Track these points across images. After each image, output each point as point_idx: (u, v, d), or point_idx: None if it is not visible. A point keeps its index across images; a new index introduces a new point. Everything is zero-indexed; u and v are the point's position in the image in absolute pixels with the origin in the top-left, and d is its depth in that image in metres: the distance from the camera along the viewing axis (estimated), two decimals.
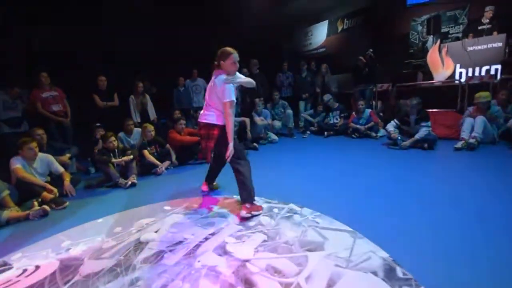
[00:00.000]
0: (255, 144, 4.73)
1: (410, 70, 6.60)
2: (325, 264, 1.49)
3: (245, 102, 5.59)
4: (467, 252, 1.49)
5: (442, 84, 5.51)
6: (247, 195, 2.21)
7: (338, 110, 5.29)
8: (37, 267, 1.75)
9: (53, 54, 5.17)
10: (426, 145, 3.55)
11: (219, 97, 2.21)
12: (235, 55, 2.18)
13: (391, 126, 3.83)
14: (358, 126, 4.69)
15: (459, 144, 3.37)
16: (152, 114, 5.03)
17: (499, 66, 4.99)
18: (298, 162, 3.80)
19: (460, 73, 5.57)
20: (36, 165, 3.08)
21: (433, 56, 6.27)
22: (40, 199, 2.82)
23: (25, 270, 1.71)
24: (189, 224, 2.14)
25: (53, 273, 1.65)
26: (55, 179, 3.22)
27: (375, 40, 7.26)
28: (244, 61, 5.98)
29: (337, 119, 5.28)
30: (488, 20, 5.34)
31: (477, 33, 5.50)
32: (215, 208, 2.40)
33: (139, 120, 4.79)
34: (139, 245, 1.88)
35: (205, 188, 2.82)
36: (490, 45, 5.23)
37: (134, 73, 5.26)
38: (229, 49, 2.19)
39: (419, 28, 7.24)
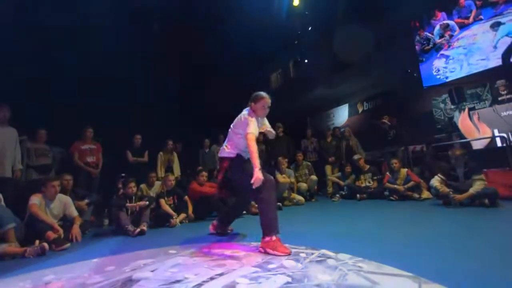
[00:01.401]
0: (279, 204, 4.32)
1: (443, 135, 6.29)
2: None
3: (270, 164, 5.49)
4: None
5: (483, 147, 5.06)
6: (268, 225, 1.87)
7: (370, 172, 4.89)
8: None
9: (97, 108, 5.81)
10: (486, 201, 2.91)
11: (237, 130, 2.18)
12: (267, 100, 2.22)
13: (436, 182, 3.31)
14: (396, 186, 4.16)
15: None
16: (177, 171, 5.07)
17: None
18: (329, 218, 3.28)
19: (502, 137, 5.15)
20: (53, 205, 3.01)
21: (465, 123, 6.05)
22: (43, 240, 2.60)
23: None
24: (194, 265, 1.72)
25: None
26: (66, 224, 3.06)
27: (399, 118, 7.28)
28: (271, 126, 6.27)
29: (369, 182, 4.81)
30: (504, 92, 5.25)
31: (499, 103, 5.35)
32: (229, 252, 1.97)
33: (162, 175, 4.80)
34: (129, 282, 1.49)
35: (213, 229, 2.54)
36: None
37: (165, 133, 5.64)
38: (262, 93, 2.25)
39: (442, 105, 7.26)
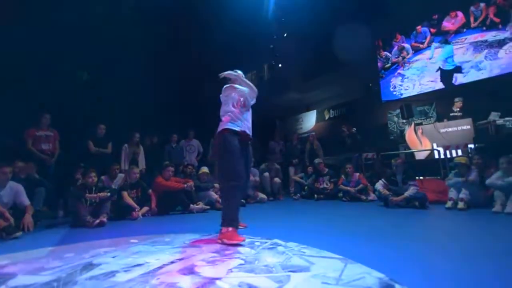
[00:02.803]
0: (243, 200, 4.52)
1: (392, 144, 7.03)
2: (310, 282, 1.24)
3: None
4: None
5: (424, 158, 5.83)
6: (229, 218, 2.00)
7: (328, 175, 5.33)
8: None
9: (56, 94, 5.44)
10: (417, 203, 3.45)
11: (223, 97, 2.33)
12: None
13: (379, 185, 3.81)
14: (348, 188, 4.64)
15: (449, 204, 3.32)
16: (142, 164, 4.99)
17: (472, 145, 5.42)
18: (287, 215, 3.57)
19: (438, 151, 5.97)
20: (3, 192, 2.83)
21: (411, 136, 6.86)
22: None
23: None
24: (155, 251, 1.83)
25: None
26: (17, 212, 2.90)
27: (358, 128, 7.97)
28: None
29: (327, 184, 5.25)
30: (458, 109, 6.08)
31: (450, 119, 6.17)
32: (189, 242, 2.10)
33: (126, 168, 4.70)
34: (89, 266, 1.56)
35: None
36: (459, 128, 5.83)
37: (130, 124, 5.48)
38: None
39: (395, 119, 8.11)
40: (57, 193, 3.92)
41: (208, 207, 4.00)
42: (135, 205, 3.47)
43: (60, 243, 2.19)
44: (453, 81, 6.75)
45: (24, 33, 5.27)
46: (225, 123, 2.18)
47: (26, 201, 2.97)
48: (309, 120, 10.68)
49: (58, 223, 3.30)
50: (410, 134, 6.86)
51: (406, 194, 3.53)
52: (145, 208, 3.62)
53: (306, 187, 5.42)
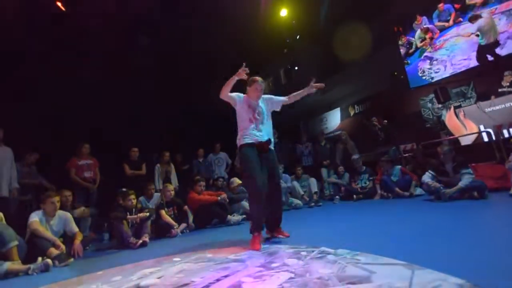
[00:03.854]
0: None
1: (430, 132, 6.47)
2: None
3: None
4: None
5: (471, 143, 5.26)
6: (252, 225, 2.20)
7: (367, 173, 5.00)
8: None
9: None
10: (475, 193, 3.05)
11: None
12: (259, 81, 2.43)
13: (427, 178, 3.44)
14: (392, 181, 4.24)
15: None
16: (175, 182, 5.10)
17: None
18: (328, 219, 3.37)
19: (488, 133, 5.36)
20: (53, 222, 3.01)
21: (452, 121, 6.27)
22: (45, 257, 2.61)
23: None
24: (199, 270, 1.78)
25: None
26: (67, 240, 3.06)
27: (388, 119, 7.48)
28: None
29: (365, 183, 4.92)
30: (508, 84, 5.48)
31: (498, 95, 5.57)
32: (232, 256, 2.03)
33: (160, 187, 4.83)
34: None
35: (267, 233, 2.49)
36: (509, 104, 5.21)
37: (162, 143, 5.69)
38: (256, 77, 2.45)
39: (429, 105, 7.50)
40: (102, 217, 4.11)
41: (244, 216, 3.93)
42: (173, 222, 3.51)
43: (108, 266, 2.24)
44: (490, 56, 6.10)
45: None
46: (240, 140, 2.38)
47: (75, 228, 3.13)
48: (334, 119, 10.32)
49: (104, 246, 3.43)
50: (450, 118, 6.27)
51: (461, 184, 3.14)
52: (183, 225, 3.64)
53: (342, 188, 5.14)
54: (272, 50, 9.63)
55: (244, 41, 7.82)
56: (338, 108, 10.09)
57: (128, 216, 3.20)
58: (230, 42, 7.69)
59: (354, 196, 4.75)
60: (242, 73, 2.26)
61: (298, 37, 9.26)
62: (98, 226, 4.12)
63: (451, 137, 5.64)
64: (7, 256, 2.38)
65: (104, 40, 5.91)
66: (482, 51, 6.21)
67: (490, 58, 6.01)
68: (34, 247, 2.65)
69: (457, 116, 6.13)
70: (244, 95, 2.48)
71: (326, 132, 10.21)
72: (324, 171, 5.99)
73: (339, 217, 3.52)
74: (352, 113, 9.59)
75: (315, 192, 4.94)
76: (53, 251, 2.61)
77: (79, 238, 3.04)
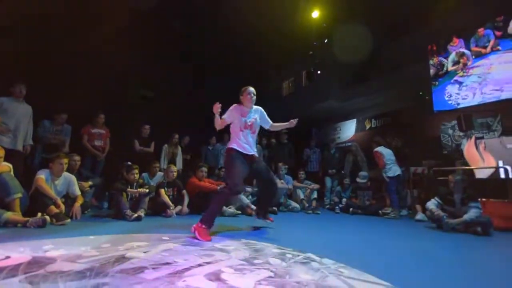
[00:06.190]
0: (274, 208, 4.38)
1: (446, 159, 6.25)
2: None
3: (270, 169, 5.54)
4: None
5: (486, 177, 5.03)
6: (206, 218, 2.28)
7: (371, 191, 4.89)
8: (8, 257, 1.53)
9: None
10: (479, 229, 2.92)
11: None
12: (250, 90, 2.62)
13: (432, 204, 3.33)
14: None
15: None
16: (179, 164, 5.18)
17: None
18: (323, 227, 3.33)
19: (506, 169, 5.09)
20: (58, 182, 3.14)
21: (470, 152, 5.98)
22: (45, 213, 2.72)
23: None
24: (184, 251, 1.81)
25: (19, 264, 1.41)
26: (68, 202, 3.18)
27: (405, 140, 7.23)
28: (274, 134, 6.23)
29: (368, 201, 4.81)
30: None
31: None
32: (219, 245, 2.04)
33: (165, 167, 4.91)
34: (121, 259, 1.58)
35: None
36: None
37: (173, 127, 5.77)
38: (246, 86, 2.65)
39: (450, 131, 7.20)
40: (104, 186, 4.25)
41: (239, 212, 3.94)
42: (170, 203, 3.57)
43: (101, 233, 2.31)
44: None
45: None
46: (231, 143, 2.59)
47: (77, 191, 3.25)
48: (348, 130, 10.11)
49: (102, 214, 3.54)
50: (469, 149, 5.99)
51: (466, 217, 3.01)
52: (179, 207, 3.70)
53: (343, 199, 5.06)
54: (298, 50, 9.51)
55: (270, 37, 7.77)
56: (355, 120, 9.87)
57: (128, 189, 3.29)
58: (255, 36, 7.65)
59: (351, 209, 4.67)
60: (216, 109, 2.41)
61: (326, 41, 9.10)
62: (100, 194, 4.25)
63: (466, 167, 5.41)
64: (9, 207, 2.50)
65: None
66: None
67: None
68: (36, 202, 2.77)
69: (477, 147, 5.85)
70: (237, 104, 2.63)
71: (337, 142, 10.04)
72: (328, 180, 5.91)
73: (333, 227, 3.47)
74: (368, 126, 9.37)
75: (314, 199, 4.88)
76: (53, 209, 2.72)
77: (79, 202, 3.16)
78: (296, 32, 8.43)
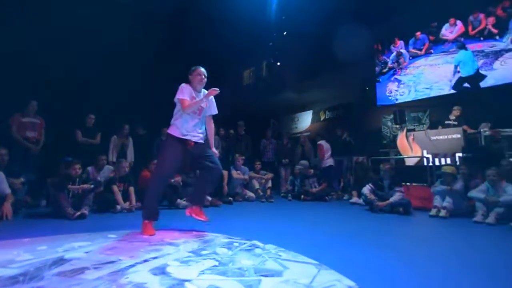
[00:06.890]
0: (230, 198, 4.51)
1: (384, 149, 7.09)
2: (279, 287, 1.23)
3: (226, 158, 5.61)
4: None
5: (413, 165, 5.88)
6: (145, 212, 2.23)
7: (315, 177, 5.33)
8: None
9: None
10: (401, 209, 3.48)
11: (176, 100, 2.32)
12: (201, 71, 2.38)
13: (366, 190, 3.83)
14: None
15: (433, 212, 3.36)
16: (131, 157, 4.92)
17: (460, 154, 5.46)
18: (273, 215, 3.57)
19: (427, 158, 6.01)
20: None
21: (402, 142, 6.89)
22: None
23: None
24: (131, 249, 1.81)
25: None
26: None
27: (352, 131, 7.93)
28: (232, 124, 6.28)
29: (315, 186, 5.24)
30: (454, 117, 6.08)
31: (445, 127, 6.17)
32: (168, 239, 2.08)
33: (113, 160, 4.63)
34: (60, 261, 1.53)
35: (188, 212, 2.44)
36: (450, 136, 5.88)
37: (123, 115, 5.39)
38: (197, 66, 2.41)
39: (389, 124, 8.15)
40: (40, 182, 3.85)
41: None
42: (121, 201, 3.42)
43: (36, 234, 2.14)
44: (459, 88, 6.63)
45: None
46: (172, 128, 2.31)
47: (6, 189, 2.91)
48: (305, 120, 10.66)
49: (39, 213, 3.24)
50: (401, 140, 6.89)
51: (391, 199, 3.56)
52: (128, 203, 3.57)
53: (296, 188, 5.43)
54: (258, 42, 9.53)
55: (231, 27, 7.65)
56: (311, 111, 10.43)
57: (70, 186, 3.05)
58: (216, 26, 7.46)
59: (302, 196, 5.06)
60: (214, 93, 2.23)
61: (285, 33, 9.29)
62: (36, 191, 3.84)
63: (398, 156, 6.22)
64: None
65: None
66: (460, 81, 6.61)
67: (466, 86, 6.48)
68: None
69: (407, 138, 6.76)
70: (186, 84, 2.34)
71: (295, 132, 10.55)
72: (282, 170, 6.25)
73: (283, 215, 3.74)
74: (322, 117, 9.99)
75: (269, 187, 5.15)
76: None
77: (9, 200, 2.85)
78: (259, 21, 8.43)
